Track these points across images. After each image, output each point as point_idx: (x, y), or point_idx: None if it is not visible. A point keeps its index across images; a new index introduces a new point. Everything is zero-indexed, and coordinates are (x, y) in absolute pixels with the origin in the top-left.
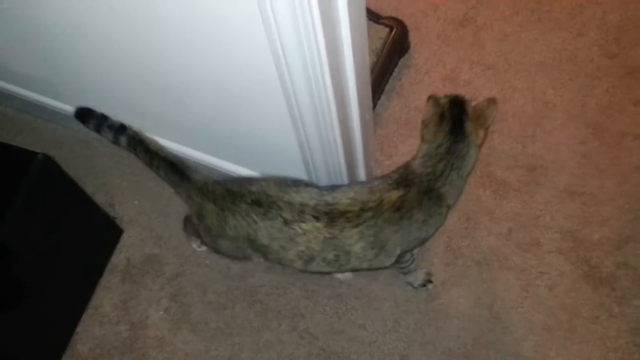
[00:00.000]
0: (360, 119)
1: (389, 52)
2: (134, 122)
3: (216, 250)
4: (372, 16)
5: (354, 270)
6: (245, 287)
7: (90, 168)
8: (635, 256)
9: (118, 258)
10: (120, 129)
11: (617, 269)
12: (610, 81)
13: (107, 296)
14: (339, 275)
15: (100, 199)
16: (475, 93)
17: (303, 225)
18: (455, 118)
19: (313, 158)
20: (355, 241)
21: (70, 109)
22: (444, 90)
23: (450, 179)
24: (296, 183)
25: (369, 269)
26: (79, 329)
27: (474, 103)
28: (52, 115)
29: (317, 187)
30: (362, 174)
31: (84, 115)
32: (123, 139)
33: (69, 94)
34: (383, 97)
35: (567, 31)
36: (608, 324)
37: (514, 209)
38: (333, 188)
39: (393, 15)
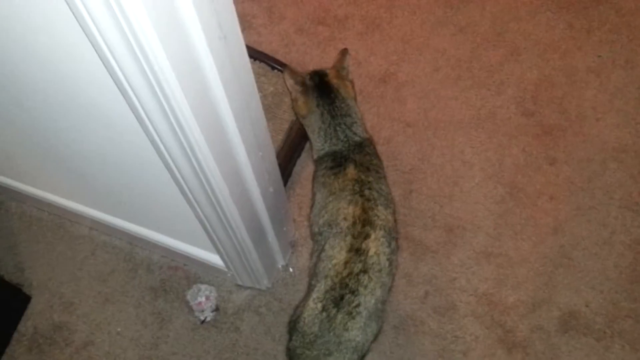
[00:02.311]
0: (262, 195)
1: None
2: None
3: None
4: None
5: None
6: (158, 356)
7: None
8: (549, 319)
9: (25, 326)
10: None
11: (531, 333)
12: (527, 140)
13: None
14: None
15: (9, 262)
16: (394, 151)
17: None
18: (318, 83)
19: (217, 235)
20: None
21: None
22: None
23: (353, 132)
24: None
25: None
26: None
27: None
28: None
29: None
30: (274, 244)
31: None
32: None
33: None
34: (303, 155)
35: (486, 89)
36: None
37: (430, 271)
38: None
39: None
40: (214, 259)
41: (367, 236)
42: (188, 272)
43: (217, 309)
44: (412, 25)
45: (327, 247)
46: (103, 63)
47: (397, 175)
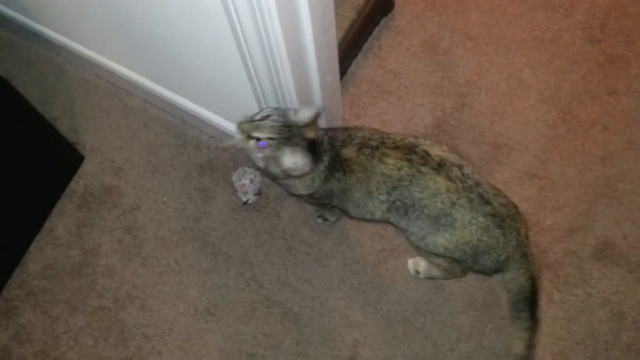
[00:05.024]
0: (320, 82)
1: (371, 11)
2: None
3: None
4: None
5: None
6: (199, 229)
7: (58, 91)
8: (583, 246)
9: (77, 184)
10: None
11: (564, 257)
12: (589, 67)
13: (62, 220)
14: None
15: (64, 123)
16: (451, 63)
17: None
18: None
19: None
20: None
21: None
22: (422, 56)
23: None
24: None
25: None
26: (31, 248)
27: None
28: (27, 34)
29: None
30: None
31: None
32: None
33: (45, 15)
34: (360, 56)
35: (554, 10)
36: (546, 309)
37: None
38: None
39: None
40: None
41: (426, 154)
42: (235, 155)
43: (259, 193)
44: None
45: (416, 194)
46: None
47: (450, 87)
